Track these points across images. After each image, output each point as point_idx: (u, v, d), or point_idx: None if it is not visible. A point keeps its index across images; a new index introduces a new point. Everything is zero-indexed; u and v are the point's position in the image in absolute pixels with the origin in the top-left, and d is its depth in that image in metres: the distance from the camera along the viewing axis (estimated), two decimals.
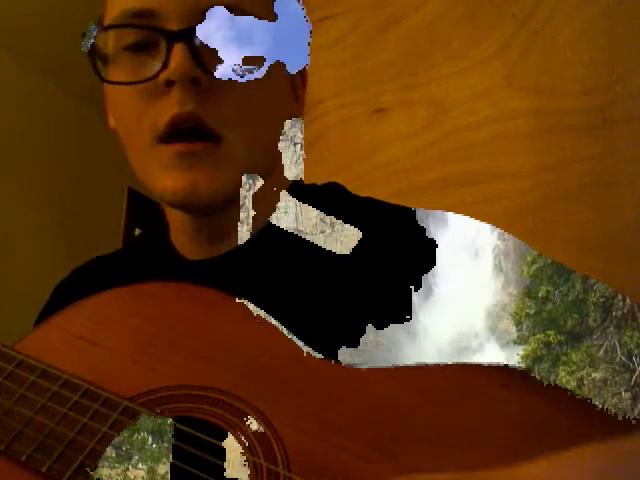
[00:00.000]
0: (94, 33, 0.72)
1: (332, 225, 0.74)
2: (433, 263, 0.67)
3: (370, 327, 0.64)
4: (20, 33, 2.51)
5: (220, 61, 0.69)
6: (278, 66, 0.72)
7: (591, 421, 0.55)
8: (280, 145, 0.78)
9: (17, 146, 2.58)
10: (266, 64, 0.71)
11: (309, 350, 0.61)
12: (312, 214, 0.75)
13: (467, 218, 0.71)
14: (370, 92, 1.26)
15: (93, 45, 0.72)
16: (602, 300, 0.66)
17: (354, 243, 0.71)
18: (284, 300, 0.67)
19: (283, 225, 0.76)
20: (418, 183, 1.18)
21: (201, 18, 0.68)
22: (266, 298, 0.65)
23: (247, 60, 0.70)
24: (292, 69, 0.76)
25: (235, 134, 0.70)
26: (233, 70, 0.70)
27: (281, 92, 0.75)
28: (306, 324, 0.64)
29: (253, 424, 0.57)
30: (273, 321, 0.64)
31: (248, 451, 0.56)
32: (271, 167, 0.75)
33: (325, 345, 0.62)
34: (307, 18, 0.77)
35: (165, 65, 0.66)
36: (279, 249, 0.74)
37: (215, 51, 0.68)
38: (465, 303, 0.66)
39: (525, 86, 1.12)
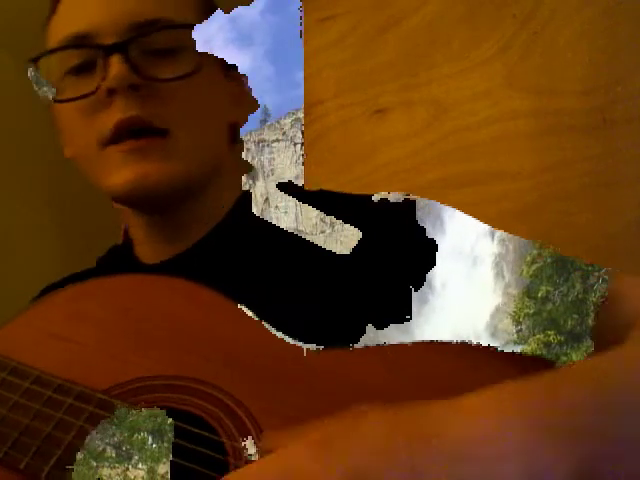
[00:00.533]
0: (38, 60, 0.77)
1: (332, 225, 0.74)
2: (433, 262, 0.67)
3: (370, 327, 0.64)
4: (20, 33, 2.51)
5: (157, 67, 0.72)
6: (213, 69, 0.75)
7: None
8: (280, 145, 0.79)
9: (17, 146, 2.59)
10: (198, 64, 0.74)
11: (283, 336, 0.62)
12: (312, 214, 0.75)
13: (465, 221, 0.71)
14: (370, 93, 1.26)
15: (37, 73, 0.78)
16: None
17: (354, 243, 0.71)
18: (246, 297, 0.68)
19: (283, 225, 0.76)
20: (418, 183, 1.18)
21: (134, 32, 0.72)
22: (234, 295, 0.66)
23: (180, 63, 0.74)
24: (227, 72, 0.81)
25: (181, 128, 0.73)
26: (169, 74, 0.73)
27: (218, 93, 0.78)
28: (299, 324, 0.64)
29: (229, 411, 0.57)
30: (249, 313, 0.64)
31: (226, 436, 0.56)
32: (217, 167, 0.78)
33: (325, 345, 0.62)
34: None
35: (104, 77, 0.70)
36: (236, 246, 0.76)
37: (152, 59, 0.72)
38: (465, 303, 0.67)
39: (525, 87, 1.12)
